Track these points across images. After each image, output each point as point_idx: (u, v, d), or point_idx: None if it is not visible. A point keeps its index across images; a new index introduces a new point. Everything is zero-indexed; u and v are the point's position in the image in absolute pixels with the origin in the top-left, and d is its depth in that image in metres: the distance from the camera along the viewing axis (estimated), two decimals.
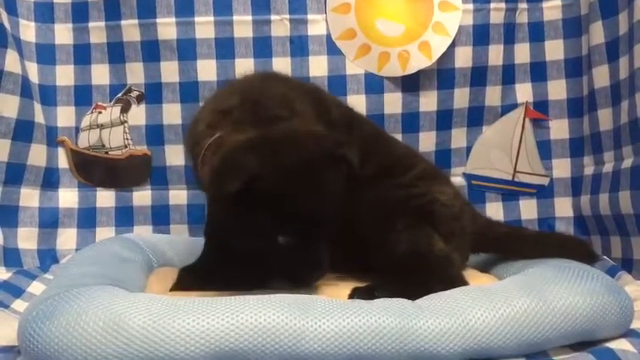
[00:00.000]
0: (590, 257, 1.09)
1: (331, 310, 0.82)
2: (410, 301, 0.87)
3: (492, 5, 1.45)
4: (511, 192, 1.52)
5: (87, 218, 1.44)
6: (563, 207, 1.51)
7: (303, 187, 0.87)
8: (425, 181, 1.06)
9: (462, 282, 0.97)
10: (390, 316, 0.81)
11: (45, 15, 1.43)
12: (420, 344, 0.80)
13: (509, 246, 1.13)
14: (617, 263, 1.29)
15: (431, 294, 0.90)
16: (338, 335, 0.79)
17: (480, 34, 1.45)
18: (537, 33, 1.50)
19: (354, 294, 0.93)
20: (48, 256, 1.39)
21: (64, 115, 1.44)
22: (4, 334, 0.92)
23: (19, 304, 1.10)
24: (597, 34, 1.39)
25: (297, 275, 0.91)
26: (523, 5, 1.48)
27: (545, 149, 1.51)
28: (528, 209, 1.52)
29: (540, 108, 1.51)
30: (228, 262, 0.99)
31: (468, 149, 1.51)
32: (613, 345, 0.85)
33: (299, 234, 0.88)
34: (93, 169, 1.45)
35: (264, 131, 0.90)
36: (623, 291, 0.93)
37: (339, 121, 1.04)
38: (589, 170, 1.46)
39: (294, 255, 0.89)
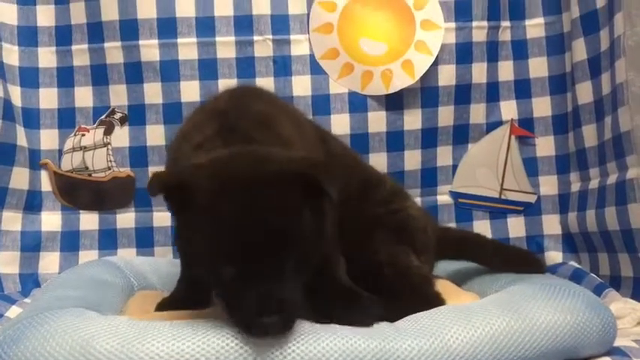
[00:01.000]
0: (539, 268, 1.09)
1: (307, 333, 0.80)
2: (389, 323, 0.86)
3: (475, 24, 1.45)
4: (498, 210, 1.51)
5: (70, 241, 1.43)
6: (551, 224, 1.50)
7: (247, 211, 0.70)
8: (398, 196, 1.05)
9: (440, 301, 0.95)
10: (368, 339, 0.79)
11: (29, 39, 1.43)
12: None
13: (464, 250, 1.13)
14: (605, 281, 1.27)
15: (409, 315, 0.88)
16: (313, 355, 0.78)
17: (463, 53, 1.45)
18: (521, 51, 1.50)
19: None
20: (30, 280, 1.37)
21: (47, 138, 1.44)
22: None
23: None
24: (579, 50, 1.39)
25: (246, 319, 0.73)
26: (506, 23, 1.49)
27: (531, 166, 1.51)
28: (516, 227, 1.51)
29: (526, 125, 1.51)
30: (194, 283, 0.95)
31: (454, 167, 1.51)
32: None
33: (239, 270, 0.71)
34: (76, 191, 1.44)
35: (230, 149, 0.78)
36: (604, 308, 0.91)
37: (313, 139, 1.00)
38: (575, 187, 1.45)
39: (241, 295, 0.72)
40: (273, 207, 0.71)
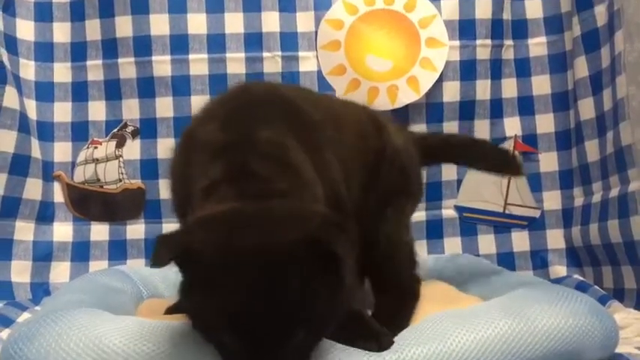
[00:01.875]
0: (516, 168, 1.21)
1: None
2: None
3: (478, 42, 1.49)
4: (503, 224, 1.53)
5: (81, 252, 1.45)
6: (555, 239, 1.51)
7: (253, 285, 0.65)
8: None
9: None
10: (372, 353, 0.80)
11: (45, 54, 1.48)
12: None
13: (447, 154, 1.22)
14: (609, 293, 1.28)
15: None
16: None
17: (467, 70, 1.49)
18: (524, 68, 1.53)
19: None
20: (41, 290, 1.39)
21: (61, 151, 1.47)
22: None
23: (7, 334, 1.10)
24: (581, 68, 1.43)
25: None
26: (509, 42, 1.53)
27: (535, 182, 1.53)
28: (520, 241, 1.52)
29: (529, 141, 1.53)
30: None
31: (459, 182, 1.53)
32: None
33: (242, 344, 0.66)
34: (88, 203, 1.48)
35: (243, 204, 0.71)
36: (607, 313, 0.92)
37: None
38: (579, 201, 1.47)
39: None
40: (282, 281, 0.65)
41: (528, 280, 1.19)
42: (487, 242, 1.52)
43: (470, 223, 1.53)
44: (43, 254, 1.42)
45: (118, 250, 1.46)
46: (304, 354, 0.71)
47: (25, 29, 1.46)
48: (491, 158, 1.20)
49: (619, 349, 0.92)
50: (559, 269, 1.48)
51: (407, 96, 1.45)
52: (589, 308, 0.90)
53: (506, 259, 1.50)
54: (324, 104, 0.99)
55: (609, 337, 0.89)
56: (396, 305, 0.96)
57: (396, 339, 0.83)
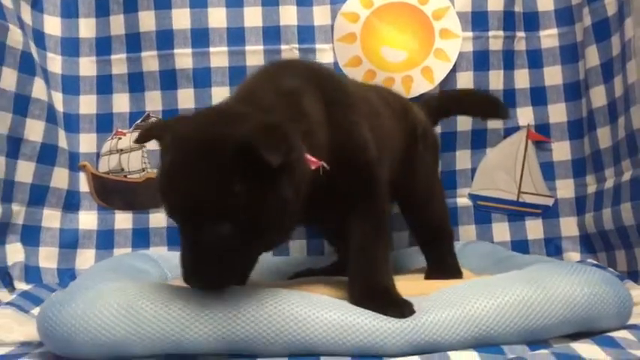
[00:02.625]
0: (503, 112, 1.42)
1: (337, 306, 0.85)
2: (416, 297, 0.90)
3: (491, 33, 1.52)
4: (517, 212, 1.55)
5: (105, 239, 1.49)
6: (568, 226, 1.53)
7: (180, 173, 0.75)
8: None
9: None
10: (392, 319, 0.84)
11: (71, 49, 1.53)
12: (427, 336, 0.83)
13: (442, 111, 1.42)
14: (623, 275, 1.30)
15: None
16: (343, 327, 0.82)
17: (480, 60, 1.52)
18: (536, 60, 1.56)
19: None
20: (67, 275, 1.43)
21: (86, 142, 1.52)
22: (25, 331, 0.97)
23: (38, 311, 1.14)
24: (592, 57, 1.45)
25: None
26: (520, 34, 1.55)
27: (548, 170, 1.55)
28: (534, 229, 1.54)
29: (542, 130, 1.55)
30: None
31: (473, 170, 1.56)
32: (613, 334, 0.87)
33: (178, 225, 0.79)
34: (112, 192, 1.52)
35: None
36: (620, 283, 0.95)
37: None
38: (592, 189, 1.49)
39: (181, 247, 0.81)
40: (203, 173, 0.73)
41: (543, 259, 1.22)
42: (501, 230, 1.54)
43: (484, 211, 1.55)
44: (70, 241, 1.46)
45: (141, 238, 1.50)
46: (234, 250, 0.77)
47: (52, 25, 1.51)
48: (481, 105, 1.43)
49: (632, 321, 0.94)
50: (573, 256, 1.50)
51: (421, 86, 1.49)
52: (603, 278, 0.93)
53: (521, 247, 1.52)
54: (362, 87, 1.15)
55: (624, 306, 0.92)
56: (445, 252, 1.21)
57: (415, 307, 0.87)
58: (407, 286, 0.96)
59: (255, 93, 0.89)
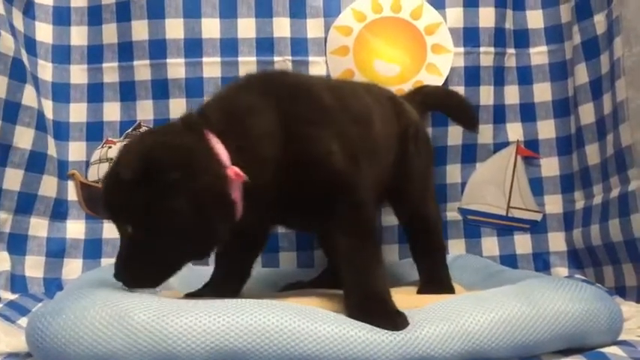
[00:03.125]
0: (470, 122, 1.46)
1: (330, 318, 0.85)
2: (410, 310, 0.90)
3: (482, 49, 1.54)
4: (505, 227, 1.56)
5: (92, 249, 1.48)
6: (556, 242, 1.54)
7: (106, 183, 0.92)
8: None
9: None
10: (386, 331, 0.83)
11: (62, 56, 1.52)
12: (421, 350, 0.82)
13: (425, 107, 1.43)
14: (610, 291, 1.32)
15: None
16: (336, 340, 0.82)
17: (471, 76, 1.53)
18: (525, 76, 1.58)
19: None
20: (53, 285, 1.41)
21: (76, 150, 1.51)
22: (11, 342, 0.95)
23: (25, 322, 1.12)
24: (581, 74, 1.47)
25: None
26: (511, 50, 1.57)
27: (537, 186, 1.56)
28: (523, 244, 1.55)
29: (531, 146, 1.57)
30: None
31: (463, 185, 1.57)
32: (604, 350, 0.88)
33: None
34: (100, 201, 1.49)
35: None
36: (610, 299, 0.96)
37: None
38: (580, 204, 1.51)
39: None
40: (115, 185, 0.88)
41: (534, 274, 1.23)
42: (490, 244, 1.55)
43: (474, 225, 1.56)
44: (57, 250, 1.45)
45: None
46: (148, 254, 0.88)
47: (44, 32, 1.50)
48: (457, 109, 1.46)
49: (623, 337, 0.95)
50: (561, 271, 1.51)
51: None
52: (594, 294, 0.94)
53: (509, 261, 1.53)
54: (349, 91, 1.12)
55: (615, 322, 0.92)
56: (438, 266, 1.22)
57: (409, 320, 0.86)
58: (400, 299, 0.96)
59: (207, 109, 0.96)
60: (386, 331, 0.83)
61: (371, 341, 0.82)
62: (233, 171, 0.87)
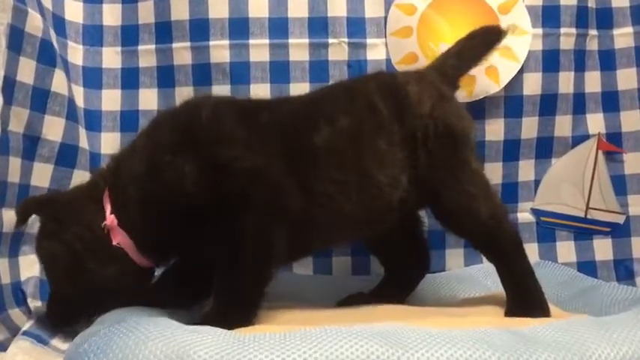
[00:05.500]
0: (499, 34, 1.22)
1: (425, 341, 0.71)
2: (517, 329, 0.76)
3: (563, 30, 1.37)
4: (583, 230, 1.41)
5: None
6: None
7: None
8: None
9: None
10: (496, 350, 0.69)
11: (93, 38, 1.37)
12: None
13: (459, 71, 1.19)
14: None
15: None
16: None
17: (550, 60, 1.37)
18: (608, 61, 1.42)
19: None
20: None
21: (109, 141, 1.37)
22: None
23: (60, 341, 1.01)
24: None
25: None
26: (593, 32, 1.41)
27: (619, 184, 1.41)
28: (603, 249, 1.41)
29: (613, 140, 1.42)
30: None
31: (537, 183, 1.41)
32: None
33: None
34: None
35: None
36: None
37: None
38: None
39: None
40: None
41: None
42: (566, 249, 1.41)
43: (548, 228, 1.41)
44: None
45: None
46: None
47: (74, 10, 1.35)
48: (482, 39, 1.22)
49: None
50: None
51: (486, 87, 1.34)
52: None
53: (588, 268, 1.38)
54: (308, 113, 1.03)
55: None
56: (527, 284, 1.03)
57: (520, 341, 0.72)
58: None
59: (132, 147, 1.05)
60: (492, 349, 0.70)
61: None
62: (110, 219, 0.95)
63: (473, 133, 1.12)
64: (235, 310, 0.90)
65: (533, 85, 1.37)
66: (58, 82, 1.24)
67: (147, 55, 1.37)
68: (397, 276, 1.17)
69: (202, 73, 1.35)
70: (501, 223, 1.06)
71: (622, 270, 1.39)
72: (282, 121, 0.99)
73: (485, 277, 1.26)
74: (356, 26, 1.36)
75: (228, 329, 0.79)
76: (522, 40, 1.35)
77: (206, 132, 0.96)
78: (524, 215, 1.40)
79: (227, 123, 0.97)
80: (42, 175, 1.22)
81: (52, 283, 1.01)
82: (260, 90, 1.34)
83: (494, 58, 1.33)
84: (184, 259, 1.05)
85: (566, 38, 1.37)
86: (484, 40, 1.22)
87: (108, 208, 0.96)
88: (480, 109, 1.36)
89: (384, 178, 0.99)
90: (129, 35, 1.38)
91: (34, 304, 1.17)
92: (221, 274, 0.93)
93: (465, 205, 1.03)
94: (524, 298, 1.02)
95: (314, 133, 0.98)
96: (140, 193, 0.95)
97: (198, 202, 0.91)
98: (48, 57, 1.22)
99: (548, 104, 1.38)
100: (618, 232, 1.40)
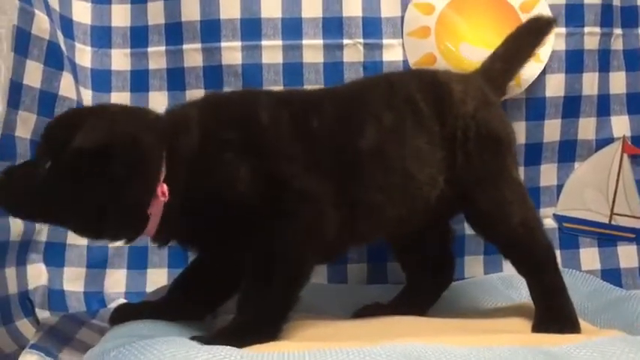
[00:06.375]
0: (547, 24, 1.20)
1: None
2: (548, 349, 0.73)
3: (587, 29, 1.32)
4: (608, 237, 1.36)
5: (138, 258, 1.31)
6: None
7: None
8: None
9: None
10: None
11: (102, 39, 1.34)
12: None
13: (507, 74, 1.18)
14: None
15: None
16: None
17: (574, 61, 1.32)
18: (634, 61, 1.36)
19: None
20: (95, 300, 1.26)
21: None
22: None
23: (68, 354, 0.97)
24: None
25: None
26: (618, 31, 1.36)
27: None
28: (628, 257, 1.36)
29: (639, 143, 1.36)
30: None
31: (559, 187, 1.37)
32: None
33: None
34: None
35: None
36: None
37: None
38: None
39: None
40: (66, 126, 0.90)
41: None
42: (590, 257, 1.36)
43: (571, 234, 1.36)
44: (98, 260, 1.28)
45: (177, 257, 1.30)
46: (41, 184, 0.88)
47: (82, 11, 1.31)
48: (531, 33, 1.19)
49: None
50: None
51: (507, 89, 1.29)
52: None
53: (612, 276, 1.33)
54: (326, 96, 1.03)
55: None
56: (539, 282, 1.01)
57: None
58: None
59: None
60: None
61: None
62: (162, 189, 0.87)
63: (515, 142, 1.10)
64: (259, 326, 0.86)
65: (555, 86, 1.32)
66: (66, 86, 1.21)
67: (157, 57, 1.33)
68: (420, 285, 1.13)
69: (214, 75, 1.31)
70: (534, 231, 1.02)
71: None
72: (330, 127, 0.96)
73: (507, 287, 1.22)
74: (372, 26, 1.32)
75: (249, 344, 0.77)
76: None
77: (267, 140, 0.93)
78: (546, 221, 1.35)
79: (286, 133, 0.93)
80: None
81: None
82: None
83: None
84: (200, 258, 1.03)
85: (590, 38, 1.32)
86: (533, 34, 1.19)
87: (162, 175, 0.88)
88: None
89: (423, 177, 0.97)
90: (138, 36, 1.34)
91: (42, 314, 1.15)
92: (248, 287, 0.89)
93: (498, 207, 1.00)
94: (554, 313, 0.97)
95: (360, 139, 0.95)
96: (189, 177, 0.89)
97: (244, 202, 0.88)
98: (55, 60, 1.19)
99: (571, 106, 1.33)
100: None
